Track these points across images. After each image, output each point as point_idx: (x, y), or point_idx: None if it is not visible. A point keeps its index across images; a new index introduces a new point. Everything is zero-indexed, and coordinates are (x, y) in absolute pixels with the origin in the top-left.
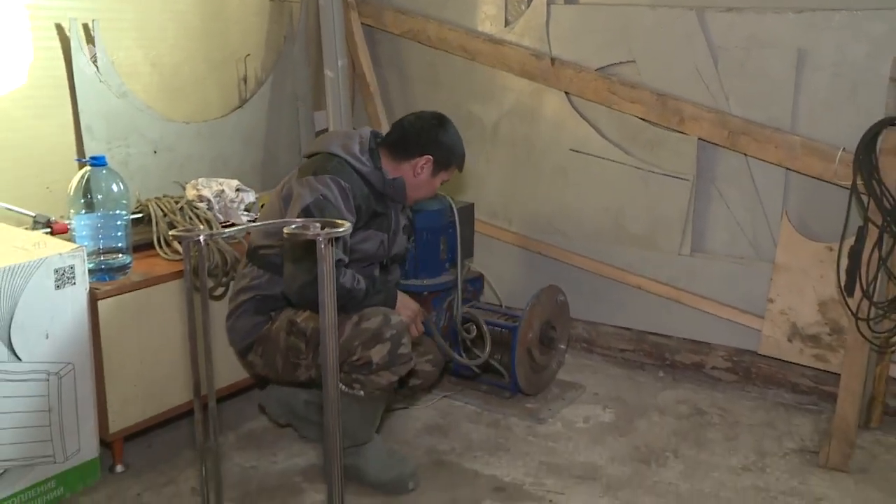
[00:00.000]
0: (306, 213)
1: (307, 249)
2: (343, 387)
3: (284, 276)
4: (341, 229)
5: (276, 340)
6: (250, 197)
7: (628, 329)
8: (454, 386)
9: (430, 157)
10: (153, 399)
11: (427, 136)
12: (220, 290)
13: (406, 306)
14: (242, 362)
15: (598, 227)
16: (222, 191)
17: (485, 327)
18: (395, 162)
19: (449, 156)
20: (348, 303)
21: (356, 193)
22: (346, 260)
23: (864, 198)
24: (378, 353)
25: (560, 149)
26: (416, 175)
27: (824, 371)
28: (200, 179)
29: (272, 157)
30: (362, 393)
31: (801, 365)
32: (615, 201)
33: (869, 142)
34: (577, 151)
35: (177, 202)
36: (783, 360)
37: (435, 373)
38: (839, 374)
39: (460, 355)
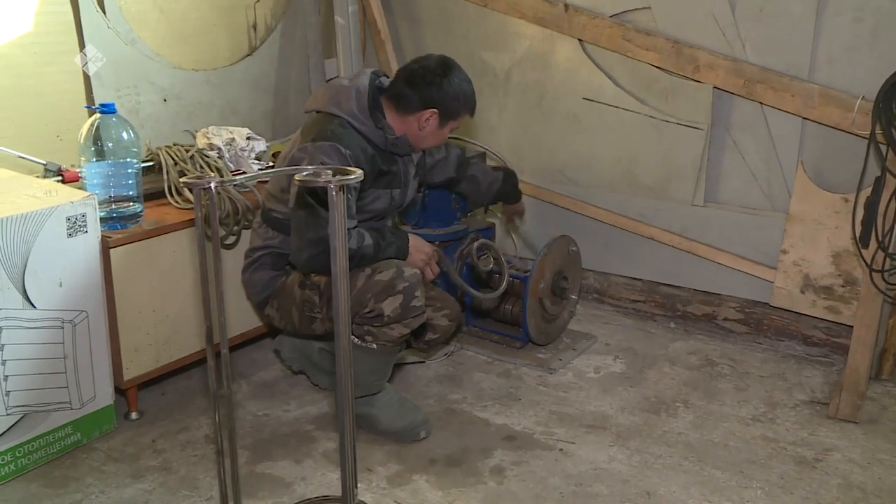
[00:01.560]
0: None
1: (311, 221)
2: (355, 339)
3: (291, 249)
4: (352, 176)
5: (291, 294)
6: (261, 145)
7: (640, 280)
8: (466, 337)
9: (434, 110)
10: (166, 347)
11: (430, 89)
12: (231, 239)
13: (419, 250)
14: (260, 315)
15: (611, 177)
16: (233, 139)
17: (501, 256)
18: (399, 115)
19: (455, 105)
20: (360, 262)
21: (358, 158)
22: (354, 223)
23: (883, 148)
24: (390, 306)
25: (573, 97)
26: (422, 129)
27: (836, 323)
28: (211, 128)
29: (282, 105)
30: (375, 346)
31: (814, 317)
32: (628, 151)
33: (889, 90)
34: (590, 100)
35: (187, 150)
36: (795, 312)
37: (451, 327)
38: (851, 327)
39: (476, 290)
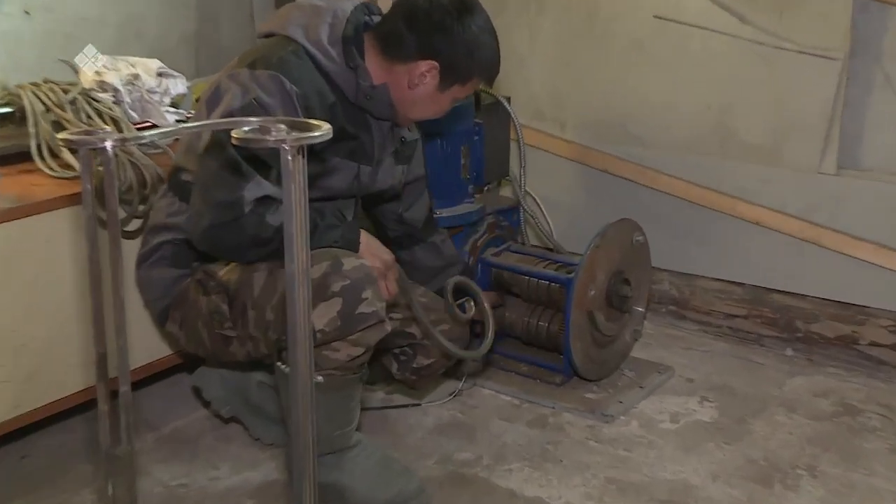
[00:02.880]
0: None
1: (224, 176)
2: (282, 366)
3: (190, 211)
4: (317, 133)
5: (195, 302)
6: (178, 86)
7: (739, 284)
8: (483, 367)
9: (434, 63)
10: (30, 387)
11: (435, 33)
12: (135, 223)
13: (375, 254)
14: (162, 333)
15: (695, 134)
16: (136, 76)
17: (485, 305)
18: (385, 61)
19: (466, 62)
20: (280, 246)
21: (310, 102)
22: (280, 197)
23: None
24: (323, 316)
25: (639, 15)
26: (413, 87)
27: None
28: (102, 58)
29: (211, 26)
30: (319, 379)
31: None
32: (722, 94)
33: None
34: (664, 19)
35: (66, 91)
36: None
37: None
38: None
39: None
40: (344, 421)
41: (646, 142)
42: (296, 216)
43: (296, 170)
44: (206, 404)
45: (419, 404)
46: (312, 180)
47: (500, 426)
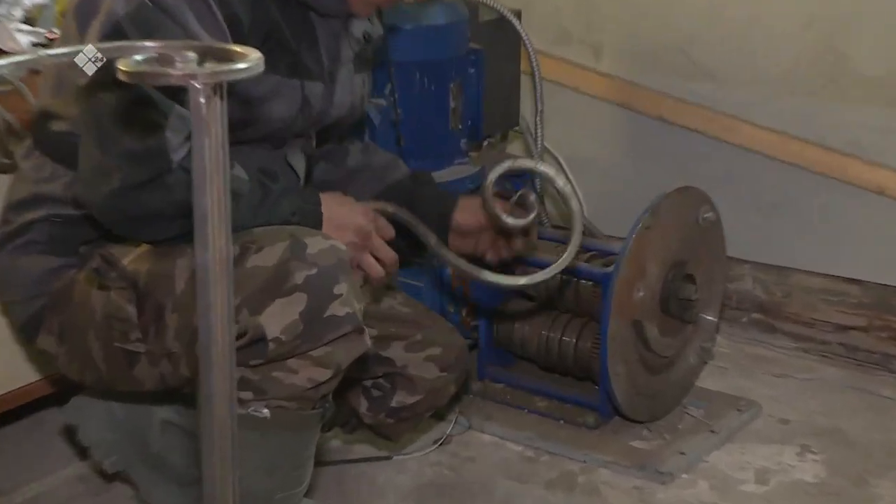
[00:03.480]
0: (114, 34)
1: (129, 111)
2: None
3: (81, 172)
4: (243, 65)
5: (84, 303)
6: None
7: (856, 282)
8: (478, 403)
9: None
10: None
11: None
12: None
13: (344, 224)
14: (29, 350)
15: (791, 64)
16: None
17: (567, 190)
18: None
19: None
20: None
21: (231, 2)
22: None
23: None
24: (279, 318)
25: None
26: None
27: None
28: None
29: None
30: (264, 412)
31: None
32: (829, 5)
33: None
34: None
35: None
36: None
37: (446, 382)
38: None
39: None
40: (292, 480)
41: (718, 76)
42: (210, 182)
43: (211, 116)
44: (84, 452)
45: (391, 457)
46: (240, 123)
47: (506, 488)
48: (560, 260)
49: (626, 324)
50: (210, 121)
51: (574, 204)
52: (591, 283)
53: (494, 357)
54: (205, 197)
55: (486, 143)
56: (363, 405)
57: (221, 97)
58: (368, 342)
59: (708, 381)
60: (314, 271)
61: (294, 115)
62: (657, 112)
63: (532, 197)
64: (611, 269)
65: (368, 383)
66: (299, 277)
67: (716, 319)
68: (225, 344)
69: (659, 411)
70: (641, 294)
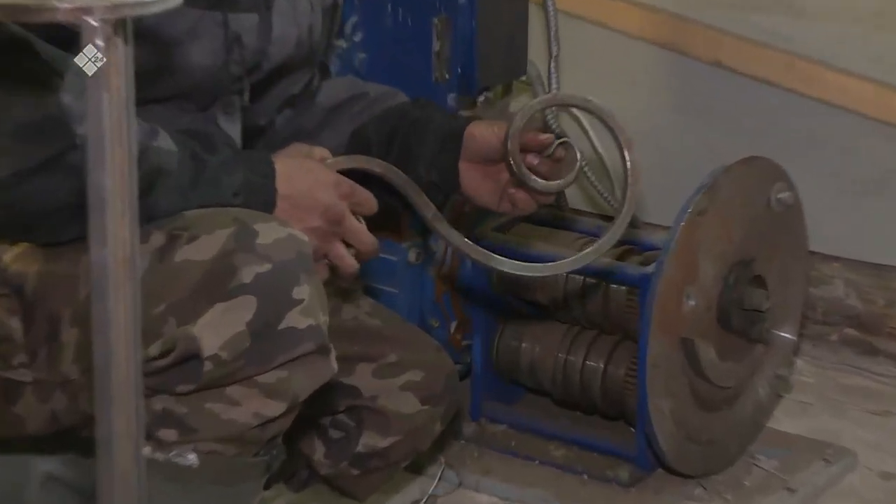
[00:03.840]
0: None
1: (14, 72)
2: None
3: None
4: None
5: None
6: None
7: None
8: (473, 450)
9: None
10: None
11: None
12: None
13: (306, 203)
14: None
15: None
16: None
17: (623, 139)
18: None
19: None
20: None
21: None
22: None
23: None
24: (219, 329)
25: None
26: None
27: None
28: None
29: None
30: (193, 458)
31: None
32: None
33: None
34: None
35: None
36: None
37: (428, 420)
38: None
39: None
40: None
41: (796, 5)
42: (110, 154)
43: (112, 65)
44: None
45: None
46: (150, 75)
47: None
48: (609, 233)
49: (672, 343)
50: (110, 71)
51: (632, 156)
52: (624, 287)
53: (493, 388)
54: (102, 173)
55: (482, 98)
56: (318, 451)
57: (125, 39)
58: (335, 366)
59: (785, 421)
60: (267, 268)
61: (221, 61)
62: (713, 56)
63: (573, 149)
64: (652, 268)
65: (326, 421)
66: (247, 275)
67: (794, 337)
68: (129, 368)
69: (717, 462)
70: (693, 303)
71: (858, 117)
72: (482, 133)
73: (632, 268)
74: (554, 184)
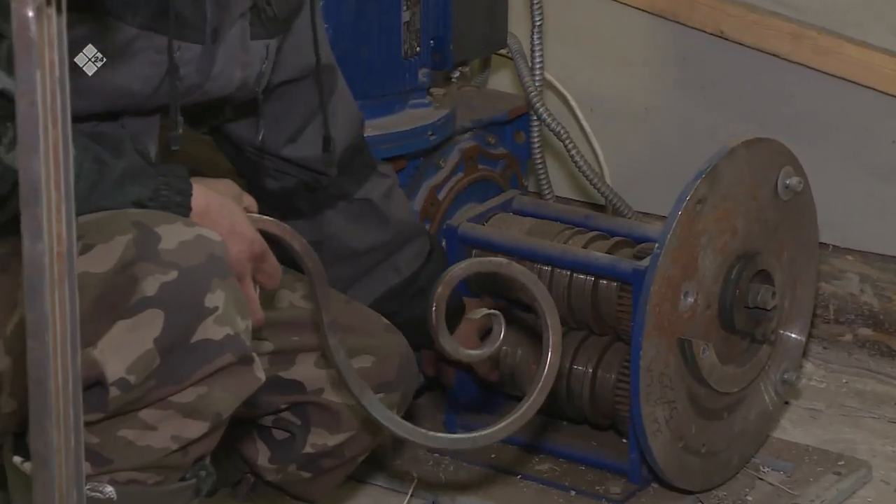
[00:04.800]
0: None
1: None
2: (18, 461)
3: None
4: None
5: None
6: None
7: None
8: (452, 465)
9: None
10: None
11: None
12: None
13: (227, 228)
14: None
15: None
16: None
17: (550, 321)
18: None
19: None
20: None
21: None
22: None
23: None
24: (123, 350)
25: None
26: None
27: None
28: None
29: None
30: (110, 491)
31: None
32: None
33: None
34: None
35: None
36: None
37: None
38: None
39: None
40: None
41: None
42: (44, 139)
43: (44, 47)
44: None
45: None
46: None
47: None
48: (525, 407)
49: (668, 345)
50: (42, 45)
51: (552, 358)
52: (616, 283)
53: (471, 397)
54: (35, 159)
55: (457, 73)
56: (262, 455)
57: (59, 9)
58: (261, 376)
59: (792, 430)
60: (173, 276)
61: (151, 89)
62: (716, 26)
63: (499, 323)
64: (646, 262)
65: (268, 421)
66: (150, 286)
67: (803, 338)
68: (67, 371)
69: (717, 475)
70: (692, 301)
71: (876, 95)
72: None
73: (624, 262)
74: (473, 353)
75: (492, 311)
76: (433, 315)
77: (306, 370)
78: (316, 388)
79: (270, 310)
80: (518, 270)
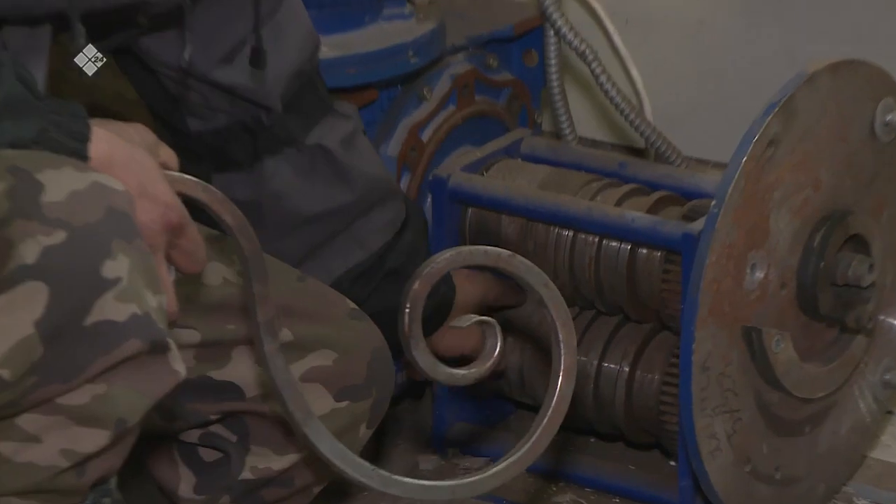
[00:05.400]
0: None
1: None
2: None
3: None
4: None
5: None
6: None
7: None
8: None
9: None
10: None
11: None
12: None
13: (137, 181)
14: None
15: None
16: None
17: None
18: None
19: None
20: None
21: None
22: None
23: None
24: None
25: None
26: None
27: None
28: None
29: None
30: None
31: None
32: None
33: None
34: None
35: None
36: None
37: (349, 424)
38: None
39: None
40: None
41: None
42: None
43: None
44: None
45: None
46: None
47: None
48: (530, 445)
49: (730, 336)
50: None
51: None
52: (659, 253)
53: (466, 405)
54: None
55: None
56: (185, 482)
57: None
58: (180, 369)
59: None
60: (60, 238)
61: None
62: None
63: (493, 336)
64: (699, 225)
65: (193, 437)
66: (30, 252)
67: None
68: None
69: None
70: (761, 276)
71: None
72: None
73: (671, 224)
74: (457, 373)
75: (484, 319)
76: (405, 319)
77: (245, 370)
78: (257, 394)
79: (197, 288)
80: (524, 267)
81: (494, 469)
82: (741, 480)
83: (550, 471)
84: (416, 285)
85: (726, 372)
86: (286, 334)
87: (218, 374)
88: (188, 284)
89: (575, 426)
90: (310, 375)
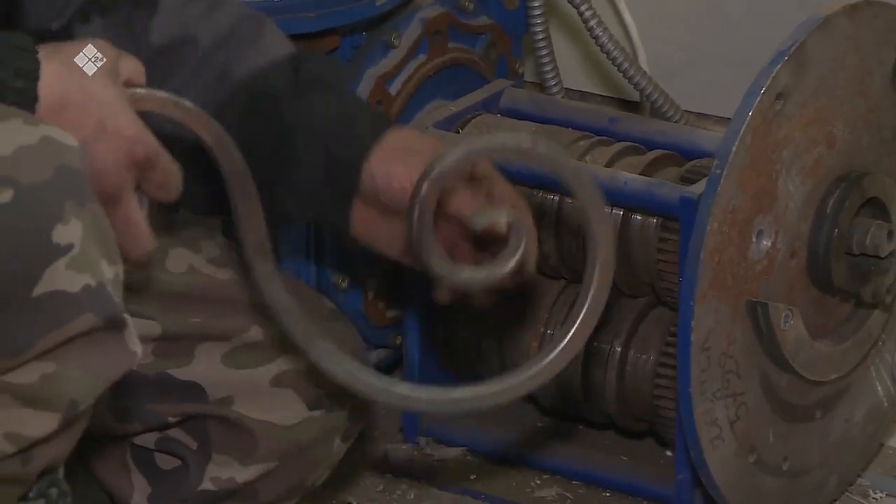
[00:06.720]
0: None
1: None
2: None
3: None
4: None
5: None
6: None
7: None
8: (413, 488)
9: None
10: None
11: None
12: None
13: (88, 118)
14: None
15: None
16: None
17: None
18: None
19: None
20: None
21: None
22: None
23: None
24: None
25: None
26: None
27: None
28: None
29: None
30: None
31: None
32: None
33: None
34: None
35: None
36: None
37: (321, 433)
38: None
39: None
40: None
41: None
42: None
43: None
44: None
45: None
46: None
47: None
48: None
49: (733, 312)
50: None
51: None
52: (655, 219)
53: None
54: None
55: None
56: (139, 490)
57: None
58: (136, 349)
59: None
60: (6, 197)
61: None
62: None
63: (521, 231)
64: (700, 187)
65: (149, 441)
66: None
67: None
68: None
69: (807, 502)
70: (768, 244)
71: None
72: (391, 178)
73: (667, 187)
74: (478, 275)
75: (508, 212)
76: (415, 223)
77: (209, 368)
78: (222, 396)
79: (160, 271)
80: (552, 158)
81: (531, 370)
82: (745, 472)
83: (532, 461)
84: (425, 188)
85: (729, 352)
86: (256, 333)
87: (179, 373)
88: (148, 268)
89: (561, 412)
90: (281, 380)
